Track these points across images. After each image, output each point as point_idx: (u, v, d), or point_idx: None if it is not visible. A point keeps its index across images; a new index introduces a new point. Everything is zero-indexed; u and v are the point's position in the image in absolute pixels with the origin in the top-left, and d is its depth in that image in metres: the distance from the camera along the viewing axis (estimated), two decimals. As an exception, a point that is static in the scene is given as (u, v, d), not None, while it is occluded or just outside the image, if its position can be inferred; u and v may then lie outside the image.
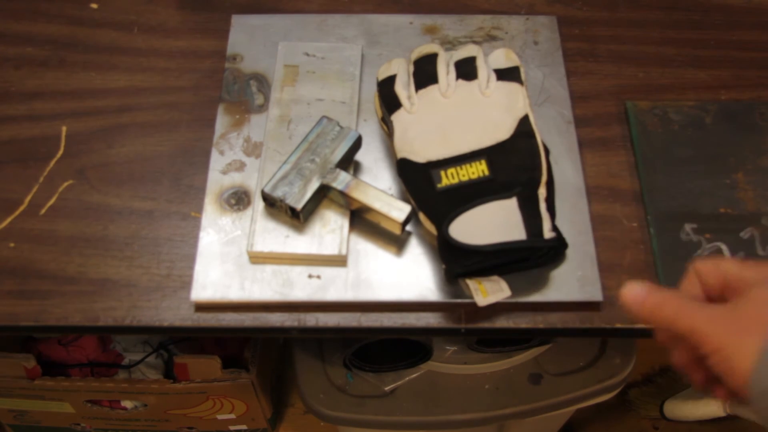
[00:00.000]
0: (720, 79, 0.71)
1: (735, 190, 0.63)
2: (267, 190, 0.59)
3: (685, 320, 0.40)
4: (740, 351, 0.37)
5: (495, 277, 0.55)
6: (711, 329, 0.39)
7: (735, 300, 0.40)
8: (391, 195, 0.59)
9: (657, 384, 1.27)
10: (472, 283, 0.55)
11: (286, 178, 0.59)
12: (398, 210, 0.58)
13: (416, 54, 0.64)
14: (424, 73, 0.62)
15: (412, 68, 0.63)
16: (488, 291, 0.54)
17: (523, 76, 0.62)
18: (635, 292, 0.43)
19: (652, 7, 0.77)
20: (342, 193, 0.59)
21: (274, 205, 0.60)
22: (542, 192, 0.57)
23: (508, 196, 0.56)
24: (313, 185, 0.59)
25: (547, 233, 0.55)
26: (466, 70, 0.62)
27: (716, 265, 0.42)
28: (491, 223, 0.55)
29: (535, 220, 0.55)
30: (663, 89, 0.71)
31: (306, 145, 0.61)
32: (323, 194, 0.61)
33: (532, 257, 0.56)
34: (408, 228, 0.60)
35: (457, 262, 0.55)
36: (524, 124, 0.59)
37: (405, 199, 0.60)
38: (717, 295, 0.42)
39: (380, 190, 0.59)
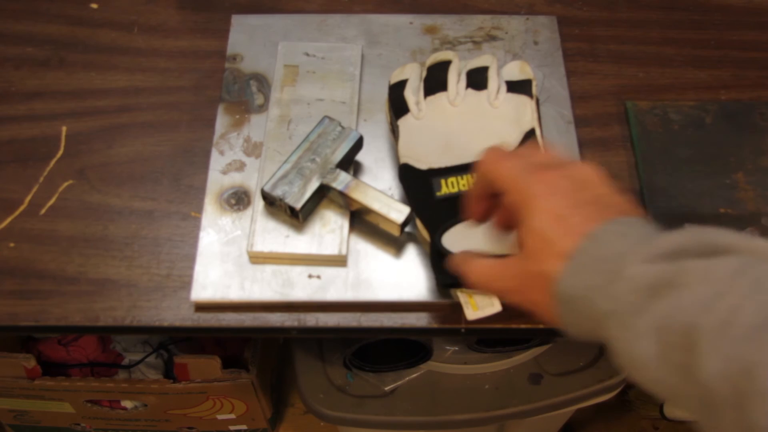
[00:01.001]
0: (720, 79, 0.71)
1: (735, 190, 0.63)
2: (267, 189, 0.59)
3: (493, 284, 0.47)
4: (539, 305, 0.43)
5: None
6: (511, 288, 0.45)
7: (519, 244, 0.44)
8: (391, 196, 0.59)
9: (657, 384, 1.27)
10: (462, 296, 0.55)
11: (286, 177, 0.59)
12: (397, 211, 0.58)
13: (431, 60, 0.63)
14: (435, 79, 0.62)
15: (424, 74, 0.63)
16: (479, 305, 0.54)
17: (534, 90, 0.61)
18: (457, 265, 0.50)
19: (652, 7, 0.77)
20: (341, 194, 0.59)
21: (273, 204, 0.60)
22: None
23: None
24: (313, 185, 0.59)
25: None
26: (477, 79, 0.62)
27: (480, 180, 0.48)
28: (485, 236, 0.55)
29: None
30: (663, 89, 0.71)
31: (307, 145, 0.61)
32: (323, 194, 0.61)
33: None
34: (407, 229, 0.60)
35: (448, 273, 0.55)
36: (530, 138, 0.59)
37: (405, 202, 0.60)
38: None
39: (380, 191, 0.59)
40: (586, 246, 0.40)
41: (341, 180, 0.59)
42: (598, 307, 0.38)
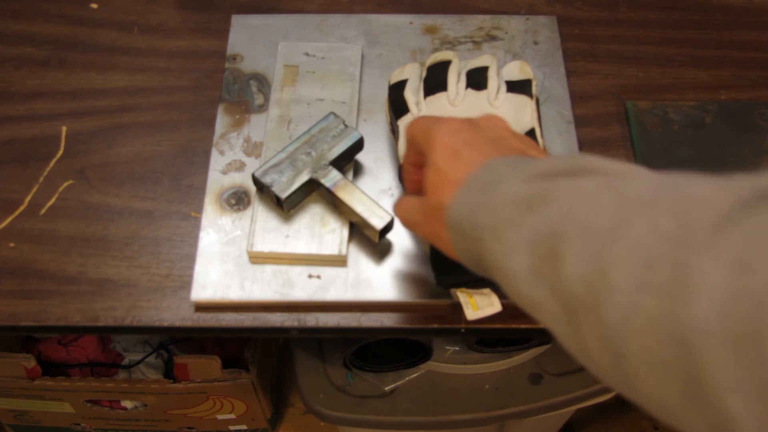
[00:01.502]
0: (720, 79, 0.71)
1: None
2: (257, 174, 0.59)
3: (410, 227, 0.51)
4: (440, 239, 0.46)
5: (487, 290, 0.55)
6: (420, 229, 0.49)
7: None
8: (377, 203, 0.58)
9: (657, 384, 1.27)
10: (462, 296, 0.55)
11: (278, 166, 0.60)
12: (378, 218, 0.57)
13: (431, 60, 0.63)
14: (435, 80, 0.62)
15: (424, 74, 0.63)
16: (478, 305, 0.54)
17: (534, 90, 0.61)
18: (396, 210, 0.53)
19: (652, 7, 0.77)
20: (328, 191, 0.59)
21: (263, 191, 0.60)
22: None
23: None
24: (302, 178, 0.59)
25: None
26: (477, 79, 0.62)
27: (409, 146, 0.52)
28: None
29: None
30: (663, 89, 0.71)
31: (306, 138, 0.61)
32: (311, 188, 0.61)
33: None
34: (388, 237, 0.60)
35: (448, 273, 0.55)
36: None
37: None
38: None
39: (367, 196, 0.58)
40: (477, 174, 0.43)
41: (331, 177, 0.59)
42: (478, 223, 0.41)
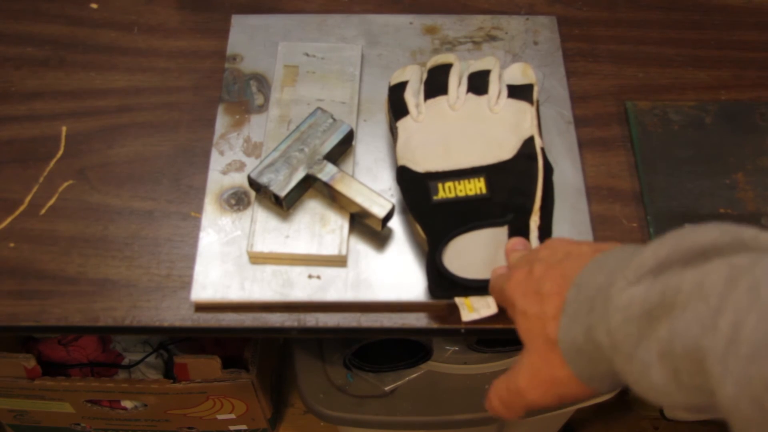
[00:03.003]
0: (720, 79, 0.71)
1: (735, 191, 0.63)
2: (253, 175, 0.59)
3: (517, 401, 0.44)
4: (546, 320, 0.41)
5: None
6: (530, 390, 0.43)
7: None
8: (375, 191, 0.59)
9: (657, 384, 1.27)
10: (458, 298, 0.55)
11: (273, 165, 0.60)
12: (379, 206, 0.58)
13: (432, 63, 0.63)
14: (436, 82, 0.62)
15: (425, 76, 0.63)
16: (474, 306, 0.54)
17: (535, 95, 0.61)
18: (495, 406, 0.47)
19: (652, 7, 0.77)
20: (326, 185, 0.59)
21: (259, 191, 0.60)
22: (535, 220, 0.56)
23: (500, 224, 0.56)
24: (299, 174, 0.59)
25: None
26: (478, 83, 0.61)
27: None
28: (480, 255, 0.55)
29: None
30: (663, 89, 0.71)
31: (297, 135, 0.61)
32: (309, 184, 0.61)
33: None
34: (390, 225, 0.60)
35: (441, 286, 0.55)
36: (528, 146, 0.58)
37: (404, 204, 0.60)
38: None
39: (364, 186, 0.59)
40: (570, 296, 0.39)
41: (327, 171, 0.59)
42: (603, 346, 0.37)
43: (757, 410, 0.28)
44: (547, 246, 0.46)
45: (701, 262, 0.33)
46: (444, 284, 0.55)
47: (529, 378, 0.43)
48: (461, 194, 0.57)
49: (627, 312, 0.35)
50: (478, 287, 0.54)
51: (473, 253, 0.55)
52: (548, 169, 0.59)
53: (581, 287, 0.39)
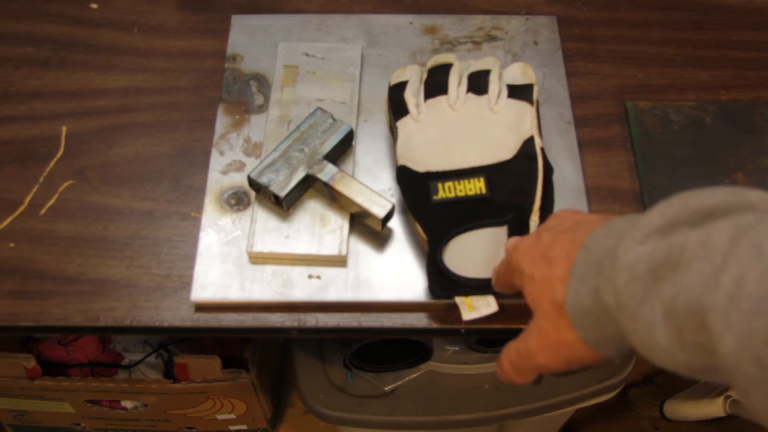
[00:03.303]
0: (720, 79, 0.71)
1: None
2: (253, 175, 0.59)
3: (524, 362, 0.46)
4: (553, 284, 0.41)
5: None
6: (539, 355, 0.44)
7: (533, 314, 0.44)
8: (375, 191, 0.59)
9: (657, 384, 1.27)
10: (458, 298, 0.55)
11: (273, 165, 0.60)
12: (379, 206, 0.58)
13: (432, 62, 0.63)
14: (436, 82, 0.62)
15: (425, 76, 0.63)
16: (474, 305, 0.54)
17: (535, 95, 0.61)
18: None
19: (652, 7, 0.77)
20: (326, 185, 0.59)
21: (260, 191, 0.60)
22: (535, 220, 0.56)
23: (500, 223, 0.56)
24: (299, 174, 0.59)
25: None
26: (478, 83, 0.61)
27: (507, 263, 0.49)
28: (480, 254, 0.55)
29: None
30: (663, 89, 0.71)
31: (297, 135, 0.61)
32: (309, 184, 0.61)
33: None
34: (390, 225, 0.61)
35: (440, 285, 0.55)
36: (528, 146, 0.58)
37: (403, 203, 0.60)
38: None
39: (364, 185, 0.59)
40: (579, 259, 0.40)
41: (327, 171, 0.59)
42: (609, 307, 0.37)
43: (758, 366, 0.28)
44: (556, 216, 0.47)
45: (708, 222, 0.33)
46: (444, 283, 0.55)
47: (538, 340, 0.43)
48: (461, 194, 0.57)
49: (633, 270, 0.35)
50: (479, 286, 0.54)
51: (473, 252, 0.55)
52: (548, 170, 0.59)
53: (590, 250, 0.39)
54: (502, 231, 0.56)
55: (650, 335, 0.35)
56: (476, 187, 0.57)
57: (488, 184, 0.57)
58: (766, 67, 0.72)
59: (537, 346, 0.44)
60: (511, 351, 0.47)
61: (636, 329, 0.36)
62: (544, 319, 0.43)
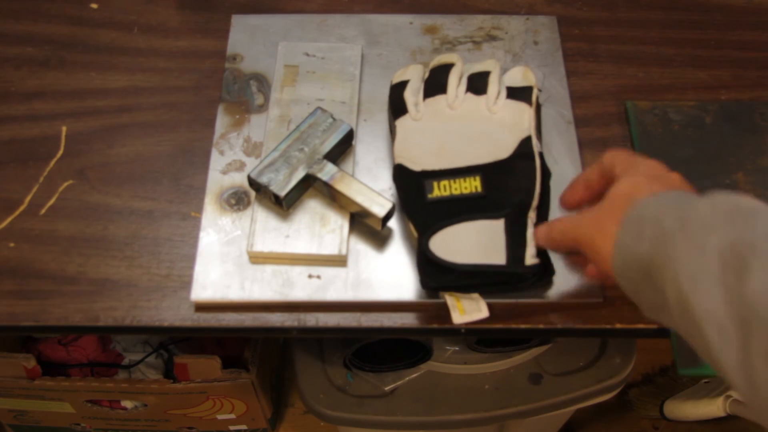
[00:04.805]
0: (720, 79, 0.71)
1: (735, 190, 0.63)
2: (253, 175, 0.59)
3: (568, 234, 0.51)
4: (603, 241, 0.46)
5: (475, 295, 0.55)
6: (583, 231, 0.49)
7: (602, 200, 0.49)
8: (375, 191, 0.59)
9: (657, 384, 1.27)
10: (450, 299, 0.55)
11: (273, 164, 0.60)
12: (379, 206, 0.58)
13: (434, 62, 0.63)
14: (435, 82, 0.62)
15: (426, 75, 0.63)
16: (465, 309, 0.54)
17: (535, 97, 0.61)
18: (539, 234, 0.54)
19: (652, 7, 0.77)
20: (326, 185, 0.59)
21: (259, 191, 0.60)
22: (532, 216, 0.56)
23: (497, 217, 0.56)
24: (299, 174, 0.59)
25: (530, 260, 0.54)
26: (477, 84, 0.61)
27: (599, 164, 0.53)
28: (474, 242, 0.55)
29: (518, 245, 0.55)
30: (663, 89, 0.71)
31: (297, 134, 0.61)
32: (308, 184, 0.61)
33: (511, 281, 0.56)
34: (390, 224, 0.61)
35: (431, 276, 0.55)
36: (525, 145, 0.58)
37: (399, 202, 0.60)
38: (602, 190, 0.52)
39: (364, 185, 0.59)
40: (672, 192, 0.46)
41: (327, 171, 0.59)
42: (664, 226, 0.41)
43: None
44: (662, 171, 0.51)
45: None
46: (433, 272, 0.55)
47: (585, 226, 0.49)
48: (456, 192, 0.57)
49: (713, 205, 0.40)
50: (470, 272, 0.54)
51: (464, 239, 0.55)
52: (545, 173, 0.59)
53: (682, 194, 0.45)
54: (497, 224, 0.55)
55: (690, 258, 0.38)
56: (471, 185, 0.57)
57: (484, 182, 0.57)
58: (766, 67, 0.72)
59: (583, 229, 0.49)
60: (564, 221, 0.52)
61: (686, 248, 0.39)
62: (608, 206, 0.47)
